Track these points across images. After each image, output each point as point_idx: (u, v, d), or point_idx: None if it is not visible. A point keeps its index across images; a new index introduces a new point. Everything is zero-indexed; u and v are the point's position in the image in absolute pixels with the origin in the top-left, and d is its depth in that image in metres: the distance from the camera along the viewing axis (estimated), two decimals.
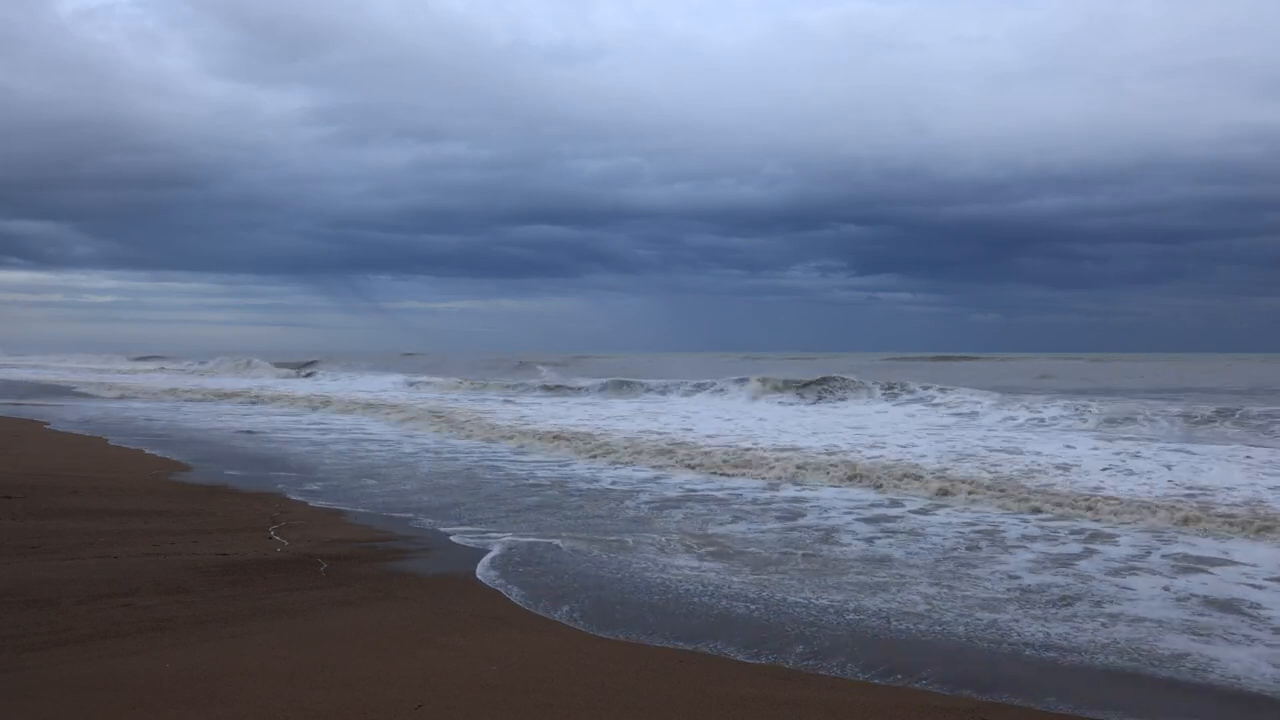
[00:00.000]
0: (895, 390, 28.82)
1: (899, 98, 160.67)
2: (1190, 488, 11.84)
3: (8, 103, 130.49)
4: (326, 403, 30.39)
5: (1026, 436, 18.62)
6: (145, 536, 8.76)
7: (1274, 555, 8.53)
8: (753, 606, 6.86)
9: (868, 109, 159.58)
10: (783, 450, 15.93)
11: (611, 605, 6.89)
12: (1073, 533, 9.58)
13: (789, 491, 12.39)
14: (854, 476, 13.09)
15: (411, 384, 40.42)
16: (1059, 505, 10.85)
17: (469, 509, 10.88)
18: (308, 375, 50.77)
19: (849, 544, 9.12)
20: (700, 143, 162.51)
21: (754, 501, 11.62)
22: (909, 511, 10.90)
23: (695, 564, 8.20)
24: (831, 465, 13.97)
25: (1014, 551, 8.76)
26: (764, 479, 13.38)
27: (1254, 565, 8.15)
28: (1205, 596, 7.16)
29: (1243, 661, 5.70)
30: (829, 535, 9.54)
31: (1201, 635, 6.20)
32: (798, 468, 13.83)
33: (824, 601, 6.99)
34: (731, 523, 10.21)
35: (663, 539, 9.22)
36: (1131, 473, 13.16)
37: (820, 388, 30.73)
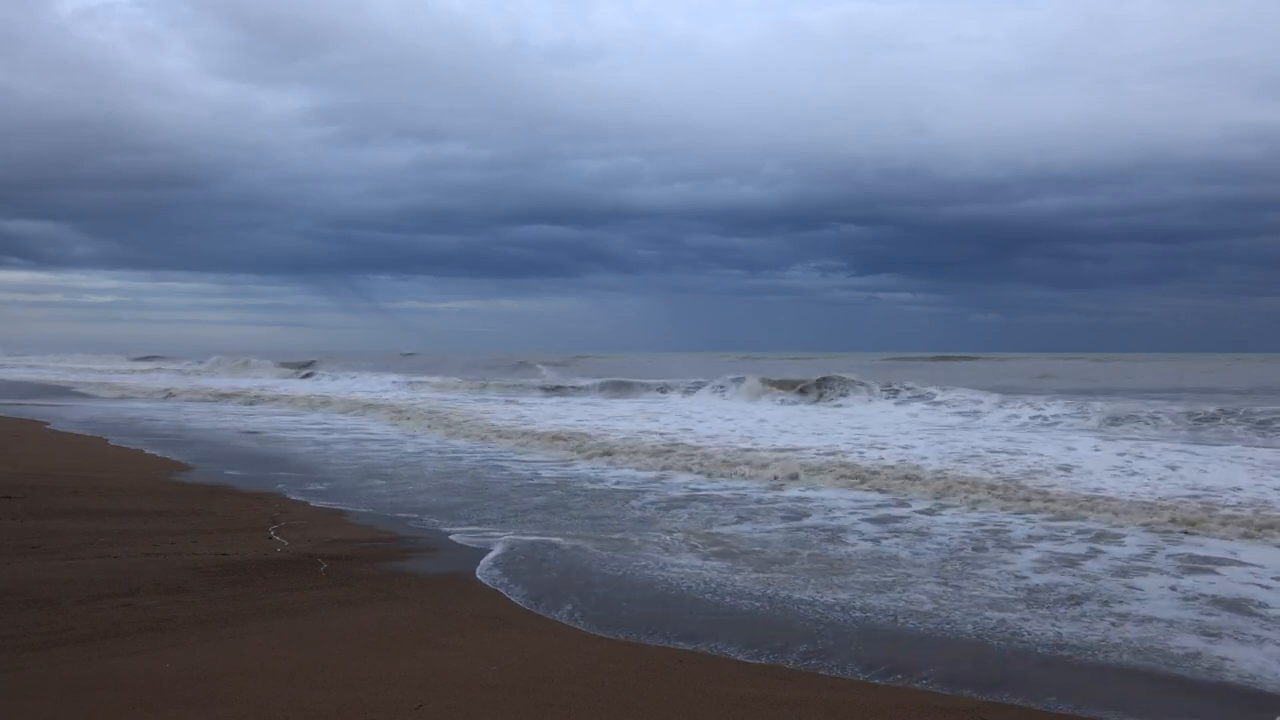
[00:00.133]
0: (896, 390, 28.82)
1: (899, 98, 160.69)
2: (1194, 488, 11.80)
3: (8, 103, 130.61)
4: (326, 403, 30.33)
5: (1029, 437, 18.59)
6: (145, 536, 8.72)
7: None
8: (758, 604, 6.82)
9: (868, 109, 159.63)
10: (784, 451, 15.89)
11: (614, 604, 6.84)
12: (1078, 533, 9.54)
13: (793, 491, 12.34)
14: (857, 477, 13.04)
15: (411, 384, 40.38)
16: (1063, 505, 10.80)
17: (475, 509, 10.82)
18: (306, 375, 50.69)
19: (855, 544, 9.08)
20: (700, 143, 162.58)
21: (758, 502, 11.57)
22: (914, 512, 10.85)
23: (700, 563, 8.16)
24: (835, 465, 13.93)
25: (1020, 551, 8.71)
26: (767, 479, 13.33)
27: (1261, 566, 8.12)
28: (1213, 596, 7.12)
29: (1254, 660, 5.66)
30: (835, 535, 9.49)
31: (1211, 635, 6.16)
32: (801, 468, 13.79)
33: (829, 599, 6.94)
34: (736, 523, 10.16)
35: (668, 538, 9.18)
36: (1135, 473, 13.12)
37: (821, 388, 30.73)
